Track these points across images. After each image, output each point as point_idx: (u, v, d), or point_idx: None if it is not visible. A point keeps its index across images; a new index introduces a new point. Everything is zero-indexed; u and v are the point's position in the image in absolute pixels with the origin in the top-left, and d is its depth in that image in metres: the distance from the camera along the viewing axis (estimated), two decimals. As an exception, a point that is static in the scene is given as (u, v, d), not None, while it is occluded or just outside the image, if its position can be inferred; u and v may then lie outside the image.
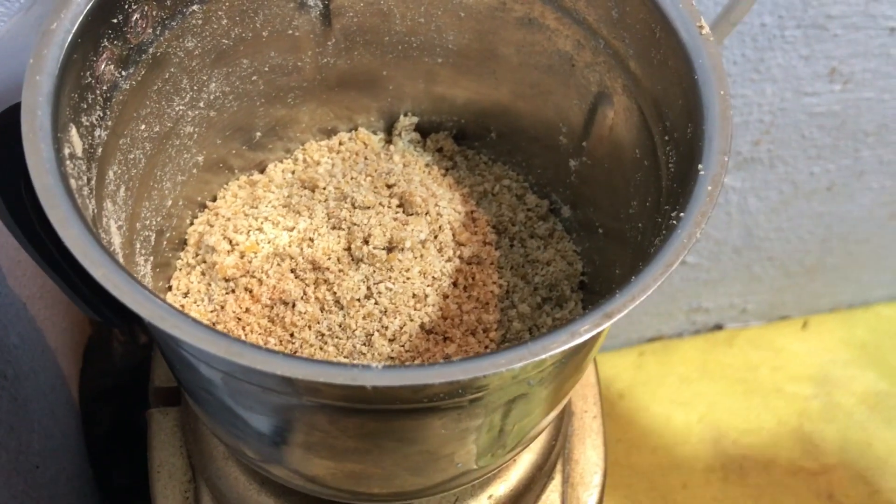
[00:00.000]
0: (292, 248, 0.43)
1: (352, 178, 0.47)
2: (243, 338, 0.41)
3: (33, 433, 0.59)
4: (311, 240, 0.44)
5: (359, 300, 0.42)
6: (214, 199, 0.48)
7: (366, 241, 0.43)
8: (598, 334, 0.31)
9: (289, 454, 0.37)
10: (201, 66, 0.42)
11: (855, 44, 0.69)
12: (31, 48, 0.33)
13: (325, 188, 0.46)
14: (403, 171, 0.47)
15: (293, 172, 0.49)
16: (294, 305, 0.42)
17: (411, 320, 0.41)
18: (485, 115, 0.48)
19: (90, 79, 0.35)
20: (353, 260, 0.43)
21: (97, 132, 0.35)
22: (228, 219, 0.45)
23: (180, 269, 0.45)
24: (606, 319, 0.29)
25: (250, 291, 0.42)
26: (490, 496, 0.44)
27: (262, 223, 0.45)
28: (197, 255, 0.45)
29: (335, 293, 0.42)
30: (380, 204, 0.45)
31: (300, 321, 0.41)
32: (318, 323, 0.41)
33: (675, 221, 0.32)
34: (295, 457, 0.37)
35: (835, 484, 0.90)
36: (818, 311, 1.01)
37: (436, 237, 0.44)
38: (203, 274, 0.44)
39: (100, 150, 0.36)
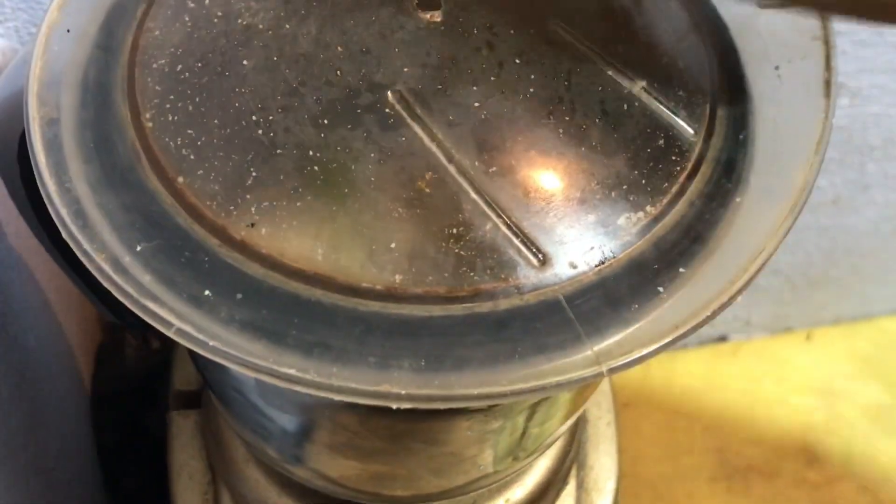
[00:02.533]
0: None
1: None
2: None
3: (49, 435, 0.59)
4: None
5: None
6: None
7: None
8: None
9: (316, 454, 0.37)
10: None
11: (863, 60, 0.70)
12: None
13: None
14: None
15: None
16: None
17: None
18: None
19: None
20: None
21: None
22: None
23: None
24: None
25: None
26: (507, 500, 0.45)
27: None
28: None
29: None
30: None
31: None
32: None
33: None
34: (321, 457, 0.37)
35: (838, 495, 0.91)
36: (822, 323, 1.02)
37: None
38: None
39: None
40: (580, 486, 0.49)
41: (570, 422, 0.42)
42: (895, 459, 0.93)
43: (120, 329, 0.73)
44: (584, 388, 0.38)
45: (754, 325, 1.00)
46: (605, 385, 0.53)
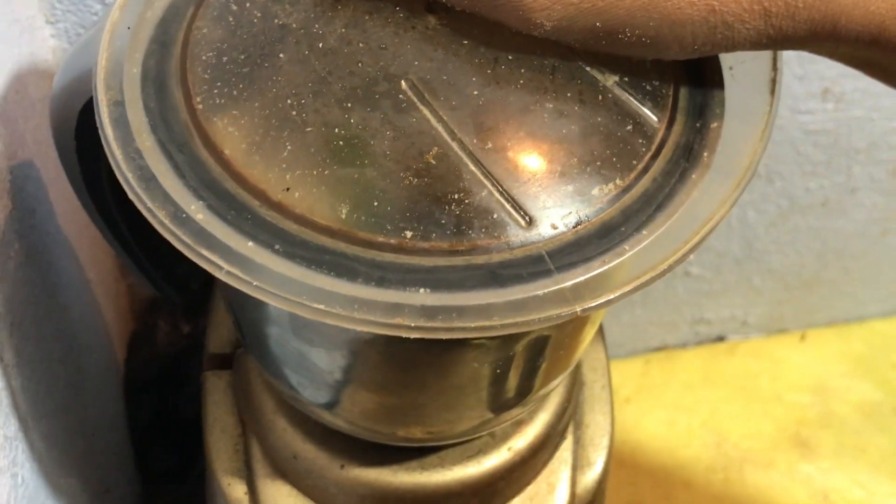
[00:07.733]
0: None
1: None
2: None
3: (89, 405, 0.64)
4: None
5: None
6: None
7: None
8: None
9: (337, 389, 0.43)
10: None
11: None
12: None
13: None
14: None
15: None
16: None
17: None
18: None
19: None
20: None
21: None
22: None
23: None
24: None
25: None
26: (510, 448, 0.50)
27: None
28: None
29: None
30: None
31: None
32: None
33: None
34: (343, 392, 0.43)
35: (830, 487, 0.94)
36: (816, 324, 1.06)
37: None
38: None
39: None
40: (577, 442, 0.54)
41: (564, 373, 0.47)
42: (885, 453, 0.97)
43: (152, 315, 0.77)
44: (569, 336, 0.43)
45: (751, 325, 1.04)
46: (600, 353, 0.57)
